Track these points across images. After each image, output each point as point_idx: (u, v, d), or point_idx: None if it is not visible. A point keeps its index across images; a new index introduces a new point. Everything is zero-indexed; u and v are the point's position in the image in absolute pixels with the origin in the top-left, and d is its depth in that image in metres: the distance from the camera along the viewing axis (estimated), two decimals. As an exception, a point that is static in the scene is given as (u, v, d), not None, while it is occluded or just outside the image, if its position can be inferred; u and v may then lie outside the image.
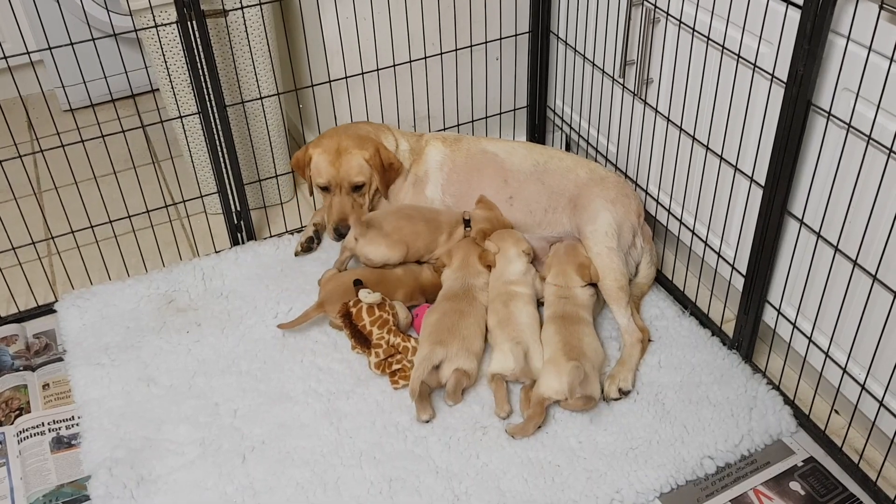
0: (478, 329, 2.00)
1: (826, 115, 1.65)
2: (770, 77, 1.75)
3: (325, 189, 2.27)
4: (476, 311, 2.03)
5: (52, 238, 2.30)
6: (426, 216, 2.22)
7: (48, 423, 1.97)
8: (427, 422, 1.88)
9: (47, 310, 2.29)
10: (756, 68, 1.78)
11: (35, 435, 1.94)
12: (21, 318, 2.28)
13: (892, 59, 1.46)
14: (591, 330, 1.99)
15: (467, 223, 2.22)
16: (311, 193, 2.41)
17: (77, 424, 1.95)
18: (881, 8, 1.44)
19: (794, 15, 1.62)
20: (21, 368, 2.12)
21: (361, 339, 1.98)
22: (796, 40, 1.60)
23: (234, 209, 2.40)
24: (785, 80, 1.67)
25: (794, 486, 1.77)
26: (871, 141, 1.56)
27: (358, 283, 2.06)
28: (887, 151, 1.52)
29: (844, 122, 1.61)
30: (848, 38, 1.54)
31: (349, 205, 2.25)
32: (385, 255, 2.15)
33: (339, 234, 2.26)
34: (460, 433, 1.86)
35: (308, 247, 2.42)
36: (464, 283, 2.11)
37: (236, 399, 1.96)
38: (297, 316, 2.13)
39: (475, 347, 1.96)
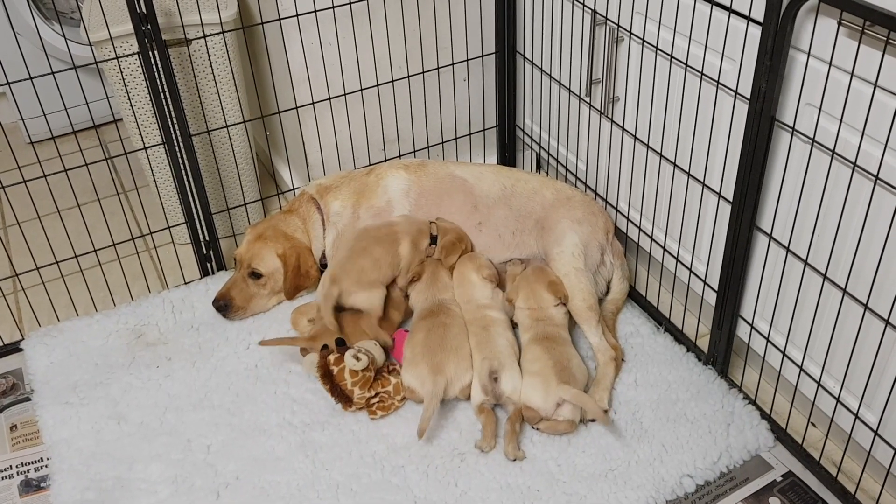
0: (464, 336, 2.00)
1: (790, 130, 1.65)
2: (734, 94, 1.76)
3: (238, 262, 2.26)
4: (456, 322, 2.03)
5: (17, 275, 2.25)
6: (377, 236, 2.16)
7: (16, 466, 1.92)
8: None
9: (13, 348, 2.24)
10: (720, 85, 1.79)
11: (3, 479, 1.89)
12: (-14, 357, 2.23)
13: (852, 74, 1.47)
14: (574, 351, 1.98)
15: (434, 239, 2.19)
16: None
17: (46, 466, 1.90)
18: (839, 24, 1.46)
19: (755, 32, 1.63)
20: (-13, 410, 2.08)
21: (342, 396, 1.93)
22: (758, 57, 1.61)
23: (202, 239, 2.37)
24: (748, 96, 1.67)
25: (774, 501, 1.76)
26: (835, 155, 1.56)
27: (341, 344, 1.97)
28: (851, 165, 1.53)
29: (808, 137, 1.61)
30: (808, 54, 1.55)
31: (240, 286, 2.23)
32: (369, 301, 2.09)
33: (217, 309, 2.23)
34: (438, 461, 1.83)
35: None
36: (434, 300, 2.10)
37: (209, 434, 1.93)
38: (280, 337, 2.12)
39: (466, 353, 1.97)
